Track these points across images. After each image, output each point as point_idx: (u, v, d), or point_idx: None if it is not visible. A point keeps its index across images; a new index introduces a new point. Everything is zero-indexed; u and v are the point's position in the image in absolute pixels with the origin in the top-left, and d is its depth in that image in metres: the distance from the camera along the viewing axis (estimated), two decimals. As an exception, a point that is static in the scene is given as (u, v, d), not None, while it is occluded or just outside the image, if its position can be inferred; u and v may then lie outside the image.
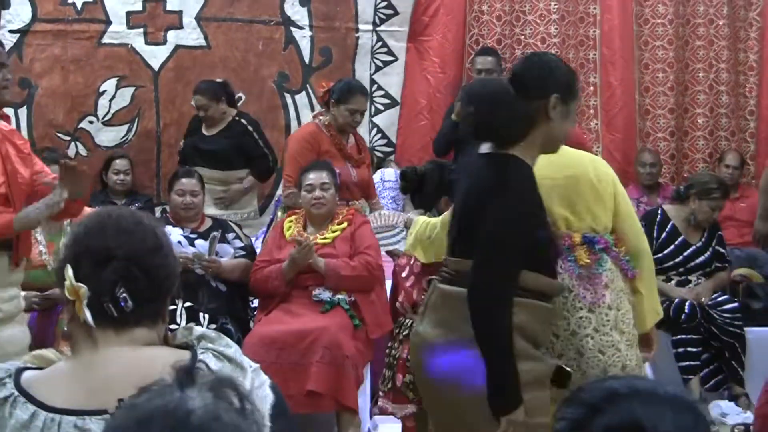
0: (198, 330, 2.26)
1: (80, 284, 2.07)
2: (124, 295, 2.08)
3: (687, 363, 5.91)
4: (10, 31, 7.05)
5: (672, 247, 6.10)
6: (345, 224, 5.65)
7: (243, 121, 6.82)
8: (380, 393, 4.56)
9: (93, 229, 2.14)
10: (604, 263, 3.79)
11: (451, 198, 4.38)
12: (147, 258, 2.11)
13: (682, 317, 5.88)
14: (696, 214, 6.10)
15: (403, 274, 4.59)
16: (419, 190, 4.50)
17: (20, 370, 2.11)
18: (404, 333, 4.40)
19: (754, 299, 6.22)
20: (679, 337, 5.94)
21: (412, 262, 4.41)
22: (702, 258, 6.16)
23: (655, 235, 6.15)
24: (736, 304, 6.04)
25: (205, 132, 6.84)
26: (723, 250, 6.27)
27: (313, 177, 5.68)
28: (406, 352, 4.33)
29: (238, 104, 7.27)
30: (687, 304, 5.92)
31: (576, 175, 3.81)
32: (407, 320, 4.41)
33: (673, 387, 1.48)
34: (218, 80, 6.89)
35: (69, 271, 2.08)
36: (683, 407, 1.43)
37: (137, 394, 1.44)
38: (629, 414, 1.41)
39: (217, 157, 6.68)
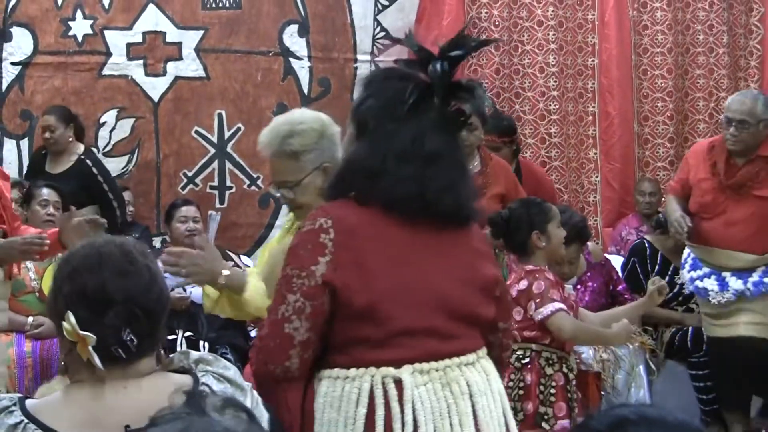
0: (194, 354, 2.27)
1: (87, 333, 2.07)
2: (130, 336, 2.08)
3: (707, 396, 5.88)
4: (12, 63, 7.07)
5: (667, 278, 6.07)
6: None
7: (88, 162, 6.53)
8: None
9: (86, 270, 2.12)
10: None
11: (542, 231, 4.40)
12: (144, 296, 2.12)
13: (704, 347, 5.85)
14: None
15: None
16: (508, 232, 4.50)
17: (23, 398, 2.12)
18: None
19: None
20: (699, 372, 5.93)
21: None
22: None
23: (648, 268, 6.16)
24: None
25: (49, 170, 6.55)
26: None
27: None
28: (505, 380, 4.34)
29: (237, 135, 7.30)
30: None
31: None
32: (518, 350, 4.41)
33: (682, 414, 1.47)
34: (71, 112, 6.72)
35: (71, 319, 2.08)
36: (692, 434, 1.43)
37: (154, 423, 1.42)
38: None
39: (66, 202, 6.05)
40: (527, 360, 4.30)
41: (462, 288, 2.77)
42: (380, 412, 2.60)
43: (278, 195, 3.65)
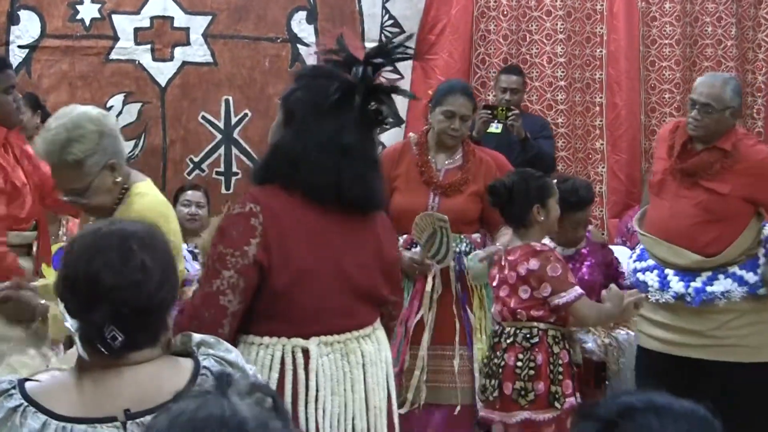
0: (197, 337, 2.27)
1: (68, 325, 2.08)
2: (113, 334, 2.06)
3: None
4: (19, 47, 7.05)
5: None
6: None
7: None
8: (480, 404, 4.55)
9: (81, 261, 2.11)
10: None
11: (543, 205, 4.40)
12: (135, 294, 2.09)
13: None
14: None
15: (494, 284, 4.59)
16: (510, 203, 4.48)
17: (22, 381, 2.11)
18: (508, 341, 4.39)
19: None
20: None
21: (506, 273, 4.42)
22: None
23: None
24: None
25: None
26: None
27: None
28: (513, 360, 4.33)
29: (244, 122, 7.30)
30: None
31: None
32: (508, 329, 4.41)
33: (689, 401, 1.47)
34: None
35: (60, 306, 2.09)
36: (700, 421, 1.43)
37: (176, 399, 1.43)
38: (646, 429, 1.40)
39: None
40: (536, 340, 4.30)
41: (367, 270, 3.18)
42: (289, 377, 3.00)
43: (66, 200, 3.65)
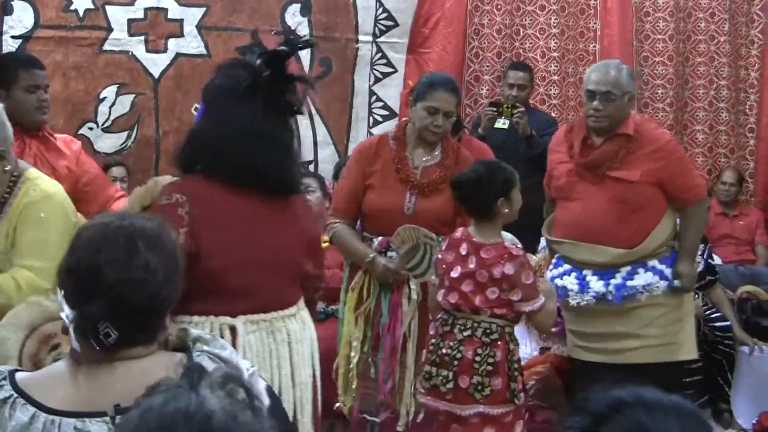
0: (194, 332, 2.26)
1: (63, 316, 2.07)
2: (107, 330, 2.05)
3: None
4: (13, 37, 7.01)
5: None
6: None
7: None
8: (421, 390, 4.46)
9: (86, 251, 2.10)
10: None
11: (507, 198, 4.29)
12: (135, 293, 2.07)
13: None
14: None
15: (453, 274, 4.36)
16: (476, 196, 4.34)
17: (13, 372, 2.10)
18: (465, 334, 4.33)
19: (762, 316, 6.19)
20: None
21: (471, 267, 4.32)
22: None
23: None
24: (728, 323, 6.01)
25: None
26: (712, 261, 6.21)
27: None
28: (471, 354, 4.28)
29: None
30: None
31: None
32: (462, 320, 4.34)
33: (676, 396, 1.48)
34: None
35: (59, 295, 2.08)
36: (688, 415, 1.44)
37: (147, 394, 1.42)
38: (636, 423, 1.41)
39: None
40: (496, 336, 4.26)
41: (291, 249, 3.38)
42: None
43: None
